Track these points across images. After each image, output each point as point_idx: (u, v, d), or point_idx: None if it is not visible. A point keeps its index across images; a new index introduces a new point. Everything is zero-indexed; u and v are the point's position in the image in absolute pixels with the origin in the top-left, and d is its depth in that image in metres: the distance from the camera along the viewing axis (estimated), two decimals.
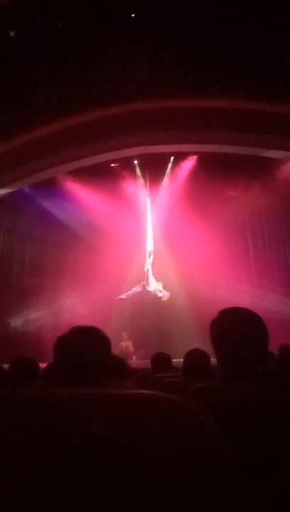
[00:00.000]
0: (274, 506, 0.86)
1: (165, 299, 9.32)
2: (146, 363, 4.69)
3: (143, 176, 10.34)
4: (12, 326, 9.77)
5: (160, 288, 9.37)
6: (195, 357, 2.72)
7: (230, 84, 7.30)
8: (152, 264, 9.62)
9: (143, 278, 9.73)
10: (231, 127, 7.78)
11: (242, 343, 1.18)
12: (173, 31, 7.34)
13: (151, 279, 9.47)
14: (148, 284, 9.41)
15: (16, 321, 9.83)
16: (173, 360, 3.80)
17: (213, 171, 9.32)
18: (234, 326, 1.21)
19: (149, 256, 9.65)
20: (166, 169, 10.34)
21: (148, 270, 9.53)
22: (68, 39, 7.39)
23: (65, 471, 0.45)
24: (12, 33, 7.54)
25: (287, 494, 0.87)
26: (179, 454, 0.46)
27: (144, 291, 9.62)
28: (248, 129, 7.74)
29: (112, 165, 9.89)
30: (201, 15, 7.22)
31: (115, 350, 6.69)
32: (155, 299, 9.98)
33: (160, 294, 9.33)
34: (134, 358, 9.04)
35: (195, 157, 9.94)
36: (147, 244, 9.82)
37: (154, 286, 9.46)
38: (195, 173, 9.85)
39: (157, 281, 9.54)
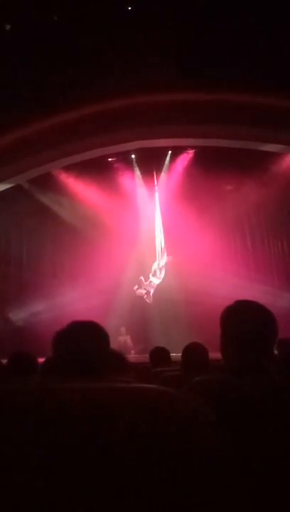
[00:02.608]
0: (272, 501, 0.86)
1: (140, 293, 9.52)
2: (145, 357, 4.70)
3: (145, 171, 10.35)
4: (10, 320, 9.77)
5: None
6: (193, 351, 2.73)
7: (227, 77, 7.28)
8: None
9: (141, 273, 9.82)
10: (227, 121, 7.76)
11: (252, 334, 1.18)
12: (170, 25, 7.29)
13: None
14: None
15: (14, 316, 9.84)
16: (172, 354, 3.81)
17: (210, 165, 9.30)
18: (247, 317, 1.22)
19: (163, 252, 9.78)
20: (163, 164, 10.32)
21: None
22: (65, 33, 7.33)
23: (67, 462, 0.45)
24: (8, 27, 7.47)
25: (285, 488, 0.88)
26: (178, 446, 0.46)
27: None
28: (245, 122, 7.72)
29: (109, 159, 9.87)
30: (198, 8, 7.18)
31: (114, 345, 6.67)
32: (154, 293, 10.00)
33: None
34: (133, 352, 9.06)
35: (192, 151, 9.92)
36: (160, 242, 9.92)
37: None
38: (193, 168, 9.83)
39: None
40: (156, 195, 10.28)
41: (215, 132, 8.24)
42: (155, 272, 9.58)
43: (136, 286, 9.54)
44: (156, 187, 10.29)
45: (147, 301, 9.59)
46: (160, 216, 10.12)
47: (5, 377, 2.59)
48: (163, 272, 9.61)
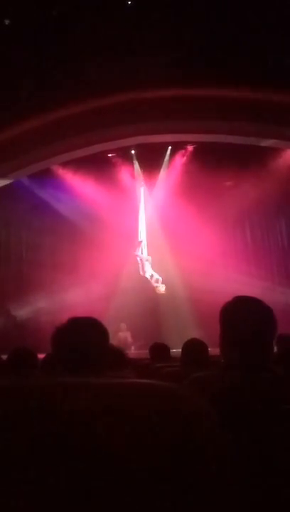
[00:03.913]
0: (271, 494, 0.86)
1: (160, 291, 9.91)
2: (145, 353, 4.71)
3: (145, 167, 10.39)
4: (10, 315, 9.79)
5: (158, 279, 9.71)
6: (193, 347, 2.74)
7: (227, 73, 7.25)
8: (142, 252, 10.24)
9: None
10: (227, 116, 7.74)
11: (251, 330, 1.17)
12: (171, 19, 7.26)
13: (147, 267, 10.02)
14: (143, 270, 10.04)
15: (14, 312, 9.86)
16: (172, 350, 3.82)
17: (210, 160, 9.29)
18: (246, 313, 1.21)
19: (140, 244, 10.17)
20: (164, 159, 10.31)
21: (141, 258, 10.13)
22: (64, 27, 7.29)
23: (63, 456, 0.45)
24: (7, 22, 7.44)
25: (284, 487, 0.88)
26: (177, 441, 0.46)
27: (142, 281, 9.80)
28: (245, 118, 7.69)
29: (109, 155, 9.86)
30: (198, 4, 7.14)
31: (113, 341, 6.71)
32: (154, 289, 10.03)
33: (156, 285, 9.70)
34: (133, 348, 9.07)
35: (192, 147, 9.90)
36: (139, 233, 10.35)
37: (150, 274, 9.96)
38: (193, 163, 9.80)
39: (157, 273, 10.03)
40: (142, 189, 10.49)
41: (214, 128, 8.21)
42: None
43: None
44: (142, 181, 10.49)
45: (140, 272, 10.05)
46: (144, 210, 10.42)
47: (5, 372, 2.59)
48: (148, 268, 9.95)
